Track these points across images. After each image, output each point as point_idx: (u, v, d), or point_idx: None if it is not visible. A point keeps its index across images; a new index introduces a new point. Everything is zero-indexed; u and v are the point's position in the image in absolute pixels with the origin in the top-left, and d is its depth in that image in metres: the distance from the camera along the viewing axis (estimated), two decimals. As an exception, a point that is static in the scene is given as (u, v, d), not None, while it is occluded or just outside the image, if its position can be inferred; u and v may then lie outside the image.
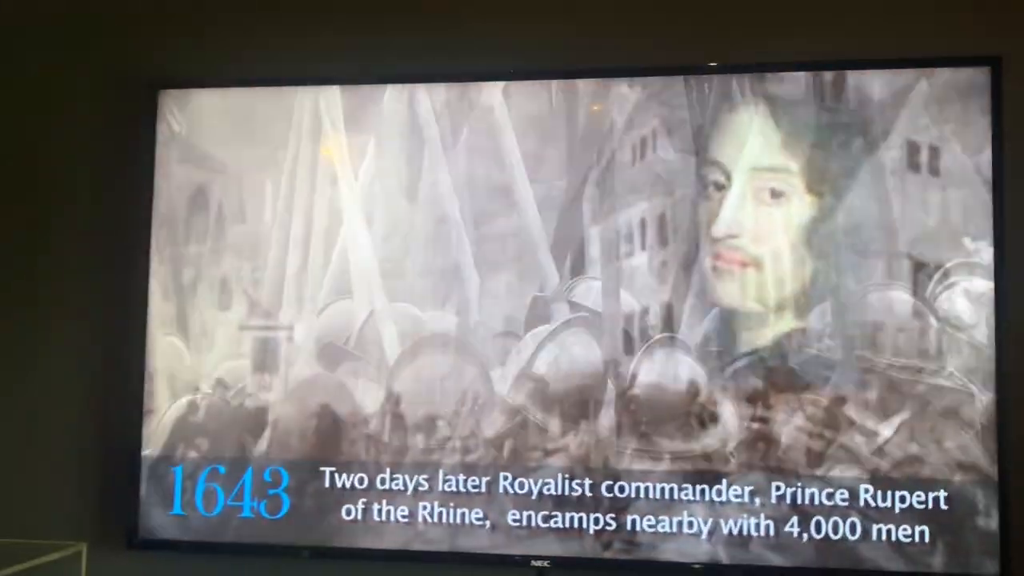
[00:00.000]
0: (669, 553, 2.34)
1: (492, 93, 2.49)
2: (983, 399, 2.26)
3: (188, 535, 2.50)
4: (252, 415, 2.51)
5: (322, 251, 2.52)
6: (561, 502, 2.38)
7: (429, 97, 2.51)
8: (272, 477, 2.48)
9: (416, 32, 2.59)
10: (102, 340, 2.65)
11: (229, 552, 2.50)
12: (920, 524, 2.26)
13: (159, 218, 2.58)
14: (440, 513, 2.41)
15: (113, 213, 2.66)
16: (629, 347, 2.40)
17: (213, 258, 2.56)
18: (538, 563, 2.38)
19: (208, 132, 2.59)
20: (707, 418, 2.35)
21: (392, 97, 2.53)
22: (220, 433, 2.52)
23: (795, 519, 2.30)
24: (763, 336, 2.35)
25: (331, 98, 2.55)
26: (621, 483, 2.36)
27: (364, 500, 2.44)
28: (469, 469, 2.42)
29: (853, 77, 2.36)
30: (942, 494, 2.26)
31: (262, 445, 2.50)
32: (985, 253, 2.29)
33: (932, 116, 2.33)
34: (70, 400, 2.65)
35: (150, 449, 2.53)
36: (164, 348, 2.55)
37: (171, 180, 2.59)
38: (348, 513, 2.45)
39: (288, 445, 2.49)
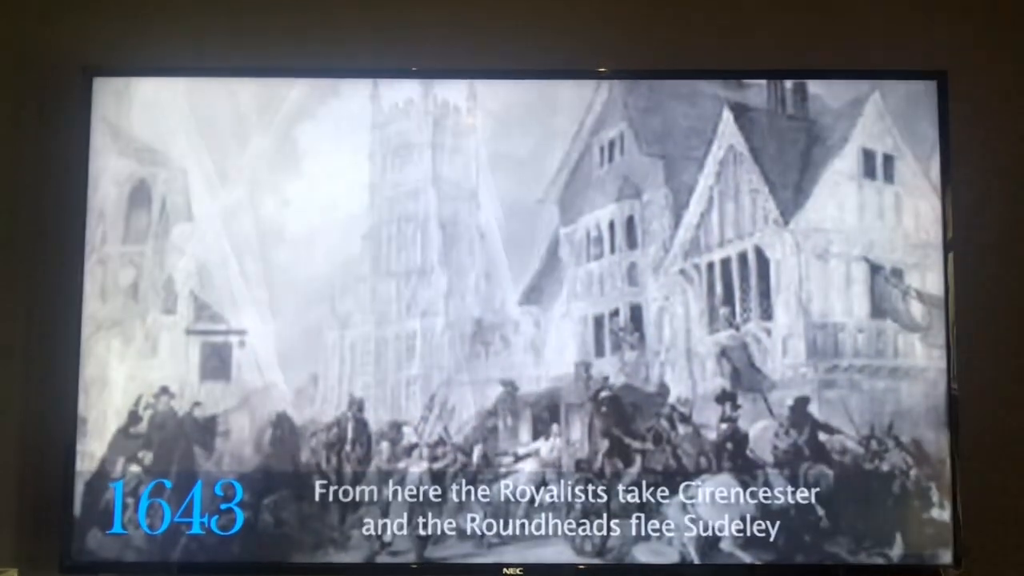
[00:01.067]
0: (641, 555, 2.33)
1: (458, 90, 2.43)
2: (936, 396, 2.36)
3: (130, 555, 2.32)
4: (201, 425, 2.36)
5: (276, 251, 2.40)
6: (532, 508, 2.33)
7: (392, 93, 2.43)
8: (224, 491, 2.34)
9: (377, 24, 2.51)
10: (31, 346, 2.43)
11: (177, 572, 2.33)
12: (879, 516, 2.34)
13: (94, 214, 2.40)
14: (407, 523, 2.33)
15: (43, 209, 2.46)
16: (600, 349, 2.39)
17: (156, 258, 2.40)
18: (510, 571, 2.33)
19: (149, 123, 2.42)
20: (677, 419, 2.36)
21: (352, 92, 2.43)
22: (165, 445, 2.35)
23: (763, 517, 2.33)
24: (730, 337, 2.38)
25: (286, 91, 2.43)
26: (593, 487, 2.34)
27: (326, 513, 2.33)
28: (437, 477, 2.35)
29: (813, 86, 2.43)
30: (899, 487, 2.34)
31: (213, 457, 2.35)
32: (935, 256, 2.40)
33: (886, 125, 2.43)
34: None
35: (86, 464, 2.34)
36: (100, 354, 2.36)
37: (108, 174, 2.41)
38: (308, 527, 2.33)
39: (241, 457, 2.35)
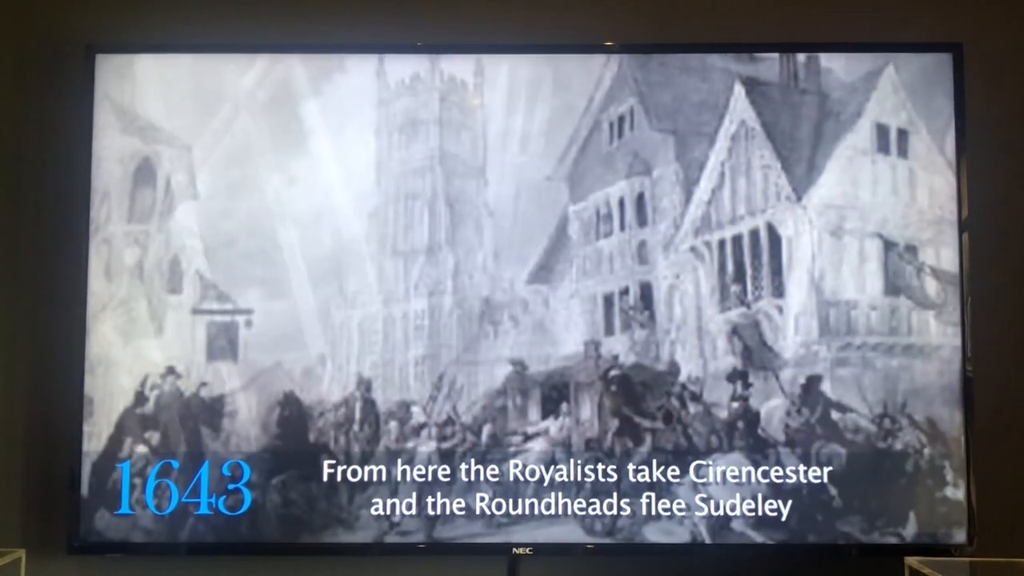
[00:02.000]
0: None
1: (465, 66, 2.40)
2: (951, 374, 2.33)
3: (137, 536, 2.31)
4: (208, 406, 2.34)
5: (282, 230, 2.37)
6: (542, 487, 2.31)
7: (398, 68, 2.40)
8: (232, 471, 2.32)
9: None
10: (36, 327, 2.41)
11: (185, 552, 2.32)
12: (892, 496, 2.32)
13: (99, 193, 2.37)
14: (416, 503, 2.31)
15: (47, 189, 2.43)
16: (609, 328, 2.36)
17: (161, 237, 2.37)
18: (520, 551, 2.31)
19: (153, 101, 2.39)
20: (687, 398, 2.34)
21: (357, 68, 2.40)
22: (172, 425, 2.34)
23: (775, 497, 2.31)
24: (742, 315, 2.35)
25: (291, 68, 2.39)
26: (603, 466, 2.32)
27: (334, 493, 2.31)
28: (446, 456, 2.33)
29: (825, 60, 2.39)
30: (913, 466, 2.32)
31: (220, 437, 2.33)
32: (950, 232, 2.36)
33: (900, 99, 2.38)
34: (1, 393, 2.41)
35: (93, 444, 2.32)
36: (106, 334, 2.34)
37: (112, 153, 2.38)
38: (317, 507, 2.31)
39: (249, 437, 2.33)
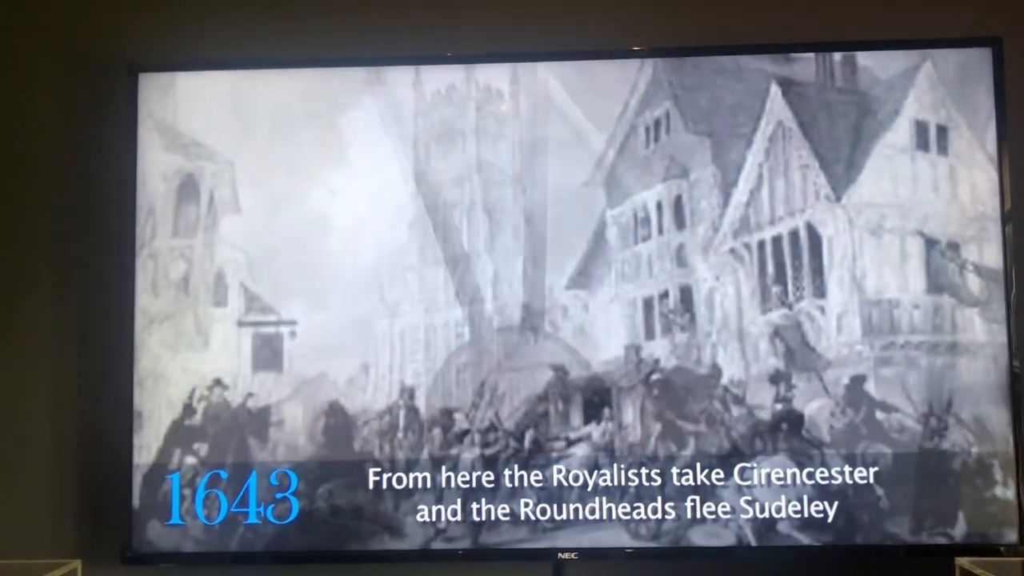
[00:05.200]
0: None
1: (500, 75, 2.41)
2: (998, 371, 2.31)
3: (188, 546, 2.35)
4: (255, 416, 2.38)
5: (324, 241, 2.40)
6: (586, 492, 2.32)
7: (434, 79, 2.42)
8: (279, 480, 2.35)
9: (419, 11, 2.50)
10: (85, 342, 2.47)
11: (234, 561, 2.35)
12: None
13: (144, 210, 2.42)
14: (460, 509, 2.33)
15: (93, 206, 2.49)
16: (650, 332, 2.36)
17: (206, 251, 2.41)
18: (565, 555, 2.32)
19: (195, 118, 2.43)
20: (730, 400, 2.33)
21: (394, 80, 2.42)
22: (220, 436, 2.38)
23: (821, 498, 2.29)
24: (783, 316, 2.35)
25: (329, 81, 2.43)
26: (647, 470, 2.32)
27: (380, 500, 2.33)
28: (489, 463, 2.34)
29: (862, 58, 2.37)
30: (960, 465, 2.30)
31: (267, 447, 2.36)
32: (993, 229, 2.34)
33: (939, 96, 2.36)
34: (52, 408, 2.47)
35: (143, 457, 2.37)
36: (153, 348, 2.39)
37: (156, 170, 2.43)
38: (363, 514, 2.34)
39: (295, 446, 2.37)
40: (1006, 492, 2.29)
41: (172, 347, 2.39)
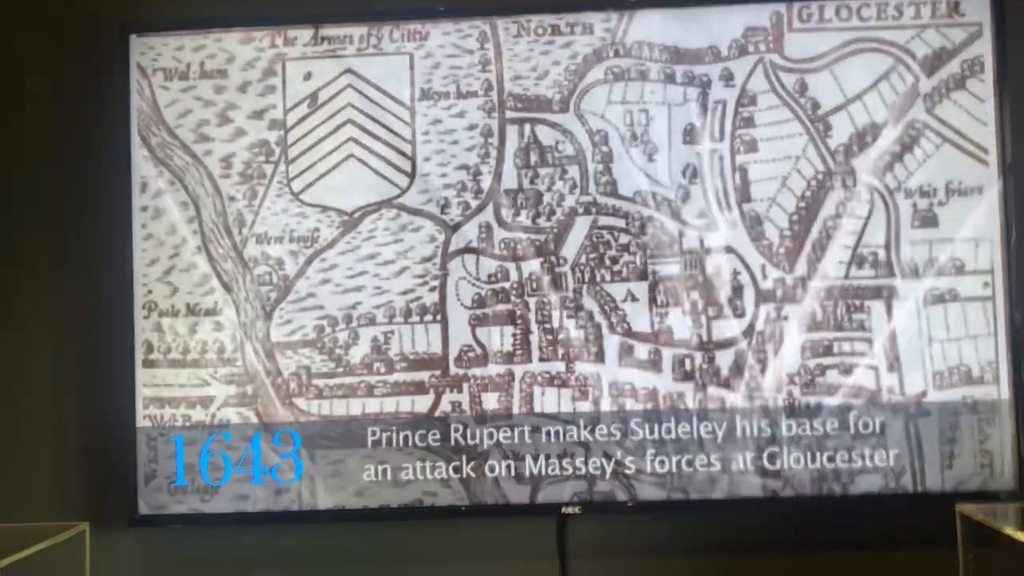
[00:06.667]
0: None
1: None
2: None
3: (195, 507, 2.36)
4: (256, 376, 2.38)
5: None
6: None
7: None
8: (283, 440, 2.37)
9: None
10: (88, 296, 2.46)
11: (241, 523, 2.37)
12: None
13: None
14: (461, 466, 2.34)
15: (85, 174, 2.47)
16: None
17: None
18: (568, 509, 2.34)
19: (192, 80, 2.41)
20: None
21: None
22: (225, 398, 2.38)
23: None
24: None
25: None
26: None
27: (383, 458, 2.35)
28: (494, 418, 2.35)
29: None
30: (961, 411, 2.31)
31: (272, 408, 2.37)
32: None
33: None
34: (55, 371, 2.47)
35: (147, 420, 2.37)
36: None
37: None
38: (368, 472, 2.35)
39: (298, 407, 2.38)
40: (1004, 438, 2.30)
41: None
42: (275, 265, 2.39)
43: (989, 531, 2.19)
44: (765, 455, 2.32)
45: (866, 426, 2.31)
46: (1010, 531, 2.02)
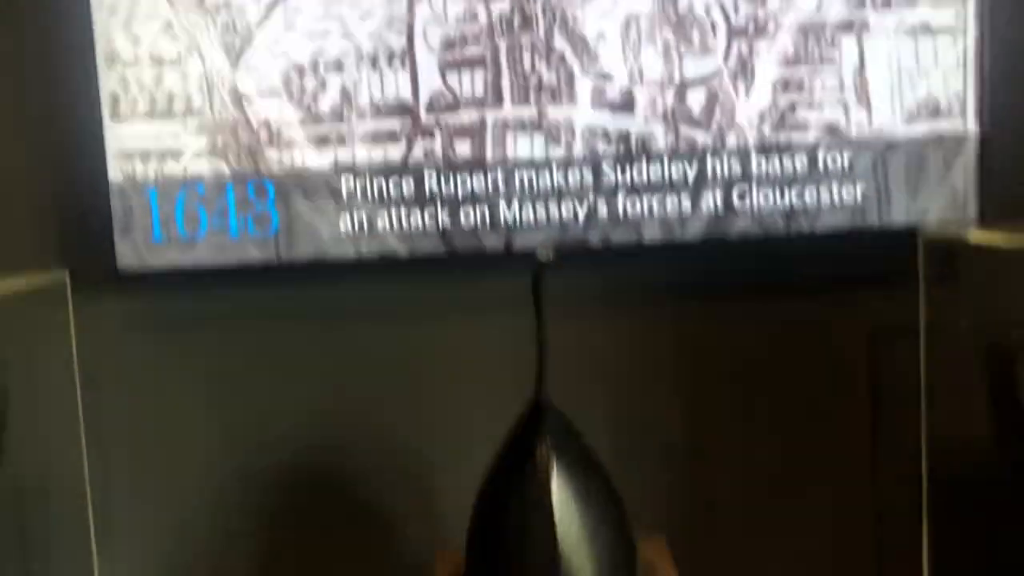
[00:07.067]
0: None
1: None
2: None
3: (171, 260, 2.37)
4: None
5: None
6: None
7: None
8: (257, 191, 2.37)
9: None
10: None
11: (220, 277, 2.39)
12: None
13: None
14: (436, 212, 2.36)
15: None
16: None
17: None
18: (542, 255, 2.37)
19: None
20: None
21: None
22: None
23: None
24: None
25: None
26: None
27: (358, 207, 2.36)
28: (467, 165, 2.35)
29: None
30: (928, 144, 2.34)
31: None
32: None
33: None
34: (23, 127, 2.43)
35: (119, 174, 2.36)
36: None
37: None
38: (345, 223, 2.37)
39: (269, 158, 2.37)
40: (968, 171, 2.34)
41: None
42: (237, 12, 2.32)
43: (949, 270, 2.27)
44: (735, 193, 2.35)
45: (834, 161, 2.34)
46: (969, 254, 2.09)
